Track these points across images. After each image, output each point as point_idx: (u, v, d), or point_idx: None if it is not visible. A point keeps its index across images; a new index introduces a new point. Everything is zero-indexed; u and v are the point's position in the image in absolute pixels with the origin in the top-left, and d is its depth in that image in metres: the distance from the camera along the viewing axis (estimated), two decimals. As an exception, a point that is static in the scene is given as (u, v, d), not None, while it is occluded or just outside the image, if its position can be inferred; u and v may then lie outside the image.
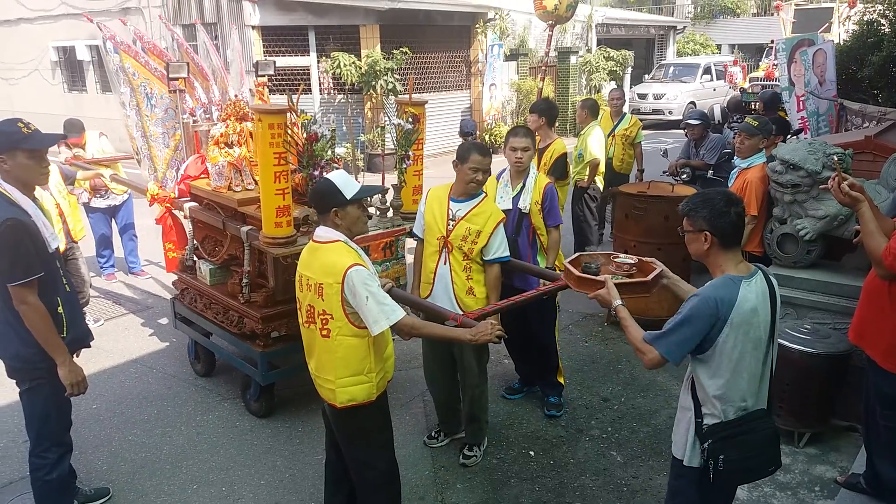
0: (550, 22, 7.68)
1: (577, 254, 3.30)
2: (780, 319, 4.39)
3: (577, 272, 3.01)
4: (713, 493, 2.64)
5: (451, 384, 4.18)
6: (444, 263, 3.86)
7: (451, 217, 3.82)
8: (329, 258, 2.85)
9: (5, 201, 3.03)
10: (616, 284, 2.82)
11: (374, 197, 4.67)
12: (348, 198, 2.88)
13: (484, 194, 3.91)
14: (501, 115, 16.65)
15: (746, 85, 16.56)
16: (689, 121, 7.17)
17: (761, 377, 2.58)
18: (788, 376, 4.03)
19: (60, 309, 3.20)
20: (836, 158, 4.03)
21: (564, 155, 5.74)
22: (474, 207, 3.81)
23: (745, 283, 2.49)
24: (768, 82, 16.03)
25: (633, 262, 3.06)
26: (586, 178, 6.79)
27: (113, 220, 7.28)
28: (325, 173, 4.29)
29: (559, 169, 5.67)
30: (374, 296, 2.80)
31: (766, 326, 2.54)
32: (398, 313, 2.84)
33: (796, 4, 19.43)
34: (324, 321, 2.88)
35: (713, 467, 2.53)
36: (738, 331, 2.46)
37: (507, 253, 3.91)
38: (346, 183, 2.91)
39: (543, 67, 8.52)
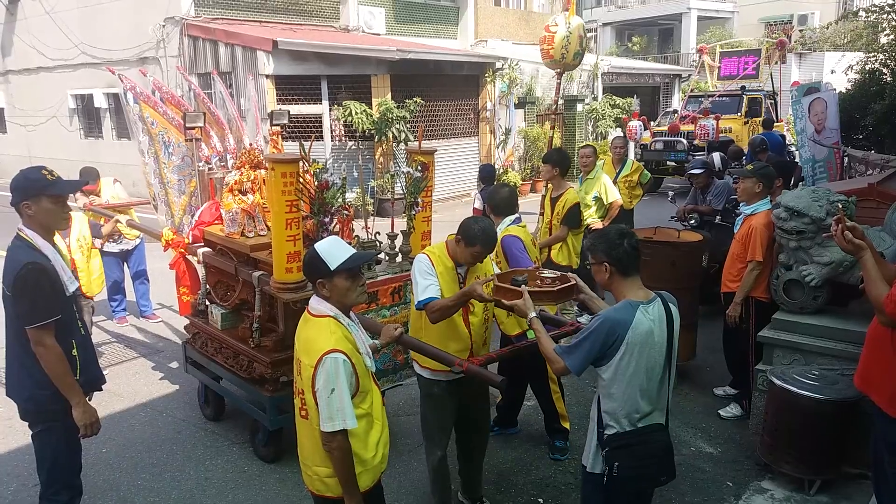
0: (558, 70, 7.87)
1: (510, 269, 3.58)
2: (788, 365, 4.43)
3: (497, 283, 3.33)
4: (614, 499, 2.90)
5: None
6: (469, 313, 3.76)
7: (461, 281, 3.75)
8: (312, 334, 2.66)
9: (27, 246, 3.13)
10: (529, 292, 3.15)
11: (384, 242, 4.76)
12: (332, 268, 2.65)
13: None
14: (510, 162, 16.87)
15: (649, 140, 15.70)
16: (693, 171, 7.25)
17: (658, 395, 2.85)
18: (797, 422, 4.02)
19: (75, 352, 3.26)
20: (839, 205, 4.10)
21: (577, 204, 5.81)
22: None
23: (642, 308, 2.77)
24: (671, 138, 15.38)
25: (555, 276, 3.43)
26: (602, 220, 6.90)
27: (125, 264, 7.39)
28: (335, 220, 4.39)
29: (572, 218, 5.74)
30: (339, 394, 2.55)
31: (663, 349, 2.82)
32: (347, 423, 2.57)
33: (721, 47, 19.02)
34: (302, 400, 2.70)
35: (608, 472, 2.83)
36: (633, 350, 2.74)
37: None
38: (332, 252, 2.69)
39: (553, 116, 8.67)
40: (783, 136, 13.85)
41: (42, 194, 3.16)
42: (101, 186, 6.98)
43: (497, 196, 4.55)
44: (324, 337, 2.62)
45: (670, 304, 2.88)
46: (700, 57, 18.04)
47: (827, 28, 24.49)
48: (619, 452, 2.81)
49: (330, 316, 2.69)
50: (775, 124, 16.36)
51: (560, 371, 2.89)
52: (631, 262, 2.84)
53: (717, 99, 16.70)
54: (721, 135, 14.97)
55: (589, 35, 32.19)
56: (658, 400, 2.85)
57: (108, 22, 15.28)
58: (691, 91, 17.55)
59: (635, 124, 15.68)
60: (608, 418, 2.84)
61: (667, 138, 15.59)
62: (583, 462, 3.02)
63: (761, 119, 16.16)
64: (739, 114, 16.09)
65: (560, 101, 18.90)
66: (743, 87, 16.71)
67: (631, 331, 2.71)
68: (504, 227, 4.43)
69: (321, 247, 2.72)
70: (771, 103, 16.96)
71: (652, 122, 22.65)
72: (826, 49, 25.94)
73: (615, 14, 36.03)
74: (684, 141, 15.11)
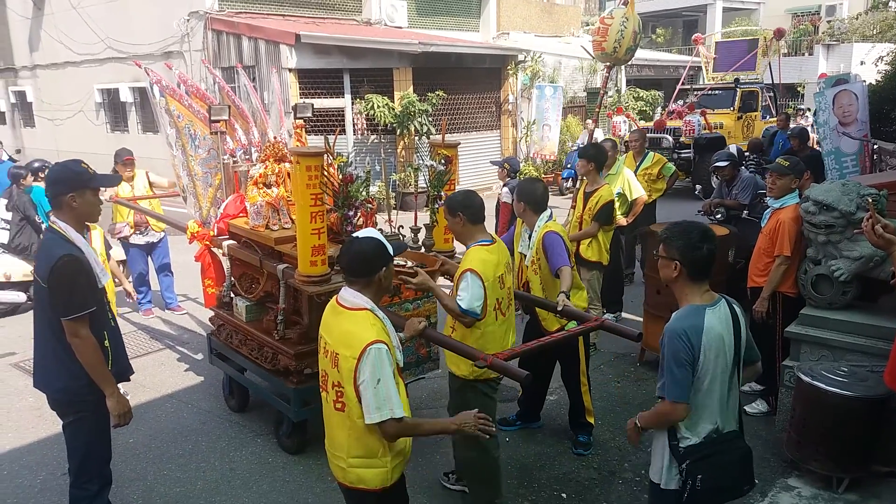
0: (608, 63, 7.73)
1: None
2: (816, 361, 4.37)
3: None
4: None
5: None
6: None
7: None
8: (350, 327, 2.65)
9: (60, 238, 3.18)
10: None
11: (407, 236, 4.77)
12: (393, 254, 2.77)
13: (484, 242, 3.71)
14: (553, 156, 16.65)
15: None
16: (718, 163, 7.14)
17: (728, 399, 2.71)
18: (826, 420, 3.97)
19: (107, 343, 3.31)
20: (869, 199, 4.03)
21: (611, 202, 5.74)
22: (464, 254, 3.78)
23: (709, 311, 2.65)
24: (656, 134, 14.29)
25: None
26: (626, 217, 6.84)
27: (150, 257, 7.46)
28: (359, 213, 4.40)
29: (605, 215, 5.69)
30: (385, 383, 2.57)
31: (732, 351, 2.68)
32: (395, 412, 2.59)
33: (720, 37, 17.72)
34: (338, 393, 2.69)
35: (690, 488, 2.65)
36: (709, 355, 2.61)
37: (470, 307, 3.52)
38: (385, 239, 2.78)
39: (597, 109, 8.54)
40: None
41: (87, 187, 3.24)
42: (135, 174, 7.17)
43: (536, 192, 4.43)
44: (365, 329, 2.63)
45: (734, 305, 2.75)
46: (696, 48, 16.87)
47: (856, 18, 24.04)
48: (699, 465, 2.65)
49: (367, 309, 2.70)
50: (772, 118, 15.49)
51: (679, 415, 2.65)
52: (704, 268, 2.69)
53: (710, 92, 15.76)
54: (713, 130, 14.17)
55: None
56: (730, 405, 2.73)
57: (134, 17, 15.42)
58: (681, 84, 16.39)
59: (619, 119, 14.94)
60: (684, 429, 2.68)
61: (652, 135, 14.41)
62: (652, 478, 2.86)
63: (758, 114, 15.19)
64: (733, 108, 15.13)
65: (583, 94, 18.92)
66: (737, 80, 15.77)
67: (705, 335, 2.60)
68: (543, 224, 4.38)
69: (377, 234, 2.78)
70: (770, 97, 16.15)
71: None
72: (855, 40, 25.44)
73: (639, 6, 35.13)
74: (669, 138, 14.20)
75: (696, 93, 15.62)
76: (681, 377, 2.59)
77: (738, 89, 15.41)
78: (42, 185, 6.77)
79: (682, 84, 16.35)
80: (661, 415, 2.71)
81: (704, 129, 14.12)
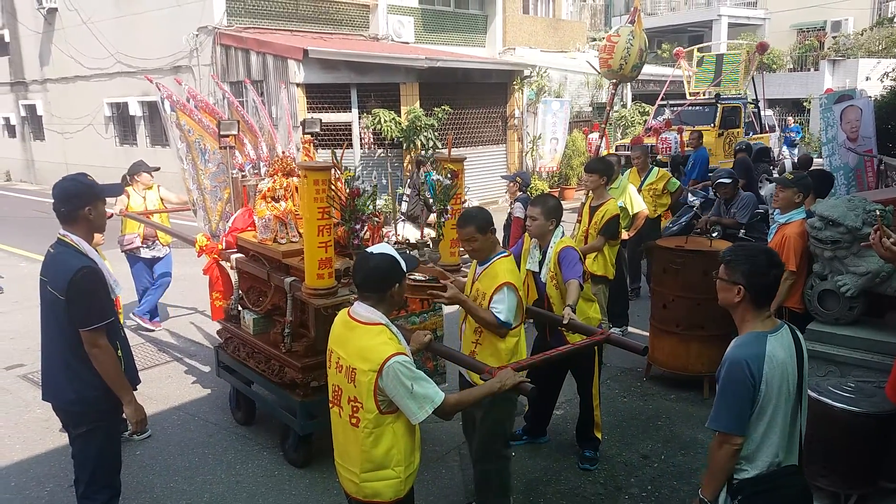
0: (614, 80, 7.77)
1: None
2: (823, 377, 4.37)
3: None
4: None
5: None
6: (464, 322, 3.90)
7: (473, 279, 3.88)
8: (368, 342, 2.67)
9: (74, 251, 3.22)
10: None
11: (414, 250, 4.79)
12: (406, 270, 2.80)
13: (503, 254, 3.82)
14: (558, 168, 16.71)
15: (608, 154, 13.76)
16: (721, 180, 7.10)
17: (791, 432, 2.57)
18: (833, 435, 3.95)
19: (120, 353, 3.34)
20: (877, 213, 4.04)
21: (617, 216, 5.75)
22: (487, 268, 3.79)
23: (771, 338, 2.52)
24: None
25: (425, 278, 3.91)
26: (627, 231, 6.84)
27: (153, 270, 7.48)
28: (366, 227, 4.42)
29: (611, 230, 5.69)
30: (418, 382, 2.62)
31: (795, 380, 2.55)
32: (437, 400, 2.65)
33: (699, 50, 16.82)
34: (354, 408, 2.69)
35: None
36: (772, 384, 2.48)
37: (508, 320, 3.66)
38: (398, 254, 2.81)
39: (604, 125, 8.59)
40: (749, 147, 12.72)
41: (99, 198, 3.30)
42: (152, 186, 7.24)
43: (559, 207, 4.50)
44: (383, 342, 2.66)
45: (797, 332, 2.63)
46: (678, 62, 16.28)
47: (861, 34, 24.12)
48: (753, 500, 2.54)
49: (382, 324, 2.73)
50: (758, 135, 15.01)
51: (732, 448, 2.51)
52: (769, 295, 2.59)
53: (689, 108, 15.14)
54: (688, 149, 13.19)
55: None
56: (791, 439, 2.59)
57: (144, 32, 15.59)
58: (660, 100, 15.75)
59: (594, 136, 14.24)
60: (742, 460, 2.55)
61: (627, 153, 13.50)
62: None
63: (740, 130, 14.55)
64: (713, 125, 14.38)
65: (588, 108, 18.96)
66: (717, 95, 15.16)
67: (767, 364, 2.47)
68: (558, 240, 4.41)
69: (390, 251, 2.79)
70: (754, 112, 15.65)
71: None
72: (860, 56, 25.49)
73: (645, 21, 35.42)
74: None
75: (673, 109, 15.01)
76: (737, 408, 2.48)
77: (718, 105, 14.76)
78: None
79: (661, 99, 15.77)
80: (716, 457, 2.56)
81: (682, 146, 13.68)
